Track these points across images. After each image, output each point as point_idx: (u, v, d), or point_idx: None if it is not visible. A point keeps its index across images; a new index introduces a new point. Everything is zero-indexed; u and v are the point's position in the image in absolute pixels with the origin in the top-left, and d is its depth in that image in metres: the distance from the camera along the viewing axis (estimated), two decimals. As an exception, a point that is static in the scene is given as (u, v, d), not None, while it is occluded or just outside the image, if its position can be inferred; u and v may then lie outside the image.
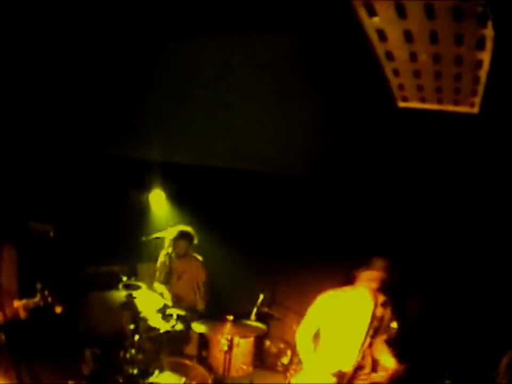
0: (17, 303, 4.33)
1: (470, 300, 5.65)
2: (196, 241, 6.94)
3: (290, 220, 7.40)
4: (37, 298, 4.34)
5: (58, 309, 4.38)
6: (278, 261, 7.43)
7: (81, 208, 7.46)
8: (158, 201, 8.15)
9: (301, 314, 6.33)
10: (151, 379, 5.05)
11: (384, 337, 4.78)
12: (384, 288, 4.66)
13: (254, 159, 6.48)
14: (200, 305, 6.85)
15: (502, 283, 5.47)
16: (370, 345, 4.62)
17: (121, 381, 5.34)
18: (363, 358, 4.58)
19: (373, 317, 4.59)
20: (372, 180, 6.52)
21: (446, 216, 6.00)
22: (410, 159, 5.63)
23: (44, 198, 6.84)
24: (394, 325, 4.94)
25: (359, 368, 4.58)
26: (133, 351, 5.50)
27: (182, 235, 6.82)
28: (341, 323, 4.81)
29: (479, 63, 3.19)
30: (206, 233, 7.33)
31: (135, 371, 5.30)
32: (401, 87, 3.73)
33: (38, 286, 4.36)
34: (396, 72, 3.51)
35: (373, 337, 4.60)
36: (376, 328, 4.60)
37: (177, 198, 8.17)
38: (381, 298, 4.66)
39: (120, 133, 6.29)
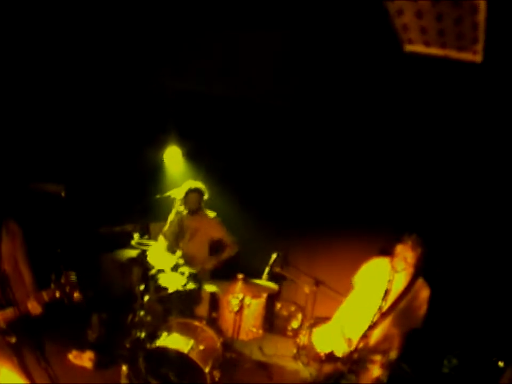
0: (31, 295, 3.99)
1: (482, 282, 5.54)
2: (206, 196, 6.85)
3: (308, 185, 7.28)
4: (52, 288, 3.91)
5: (77, 297, 3.94)
6: (292, 223, 7.38)
7: (93, 167, 7.40)
8: (173, 159, 8.03)
9: (312, 277, 6.36)
10: (158, 342, 5.00)
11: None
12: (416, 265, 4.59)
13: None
14: (232, 249, 6.84)
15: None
16: (382, 317, 4.56)
17: (128, 345, 5.24)
18: (371, 328, 4.52)
19: (388, 290, 4.52)
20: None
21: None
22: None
23: (54, 157, 6.78)
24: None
25: (364, 337, 4.52)
26: (142, 313, 5.45)
27: (192, 189, 6.75)
28: (364, 291, 4.87)
29: (475, 8, 3.22)
30: (221, 192, 7.27)
31: (143, 334, 5.24)
32: (405, 28, 3.70)
33: (53, 273, 3.90)
34: (400, 12, 3.48)
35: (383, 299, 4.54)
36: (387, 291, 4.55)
37: (193, 156, 8.05)
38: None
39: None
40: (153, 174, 8.00)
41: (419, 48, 3.83)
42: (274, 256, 6.44)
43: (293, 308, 6.83)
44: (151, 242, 6.13)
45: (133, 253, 5.98)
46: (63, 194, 5.51)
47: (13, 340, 3.71)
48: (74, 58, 6.24)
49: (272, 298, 6.70)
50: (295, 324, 6.59)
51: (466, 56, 3.70)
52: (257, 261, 6.62)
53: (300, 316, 6.60)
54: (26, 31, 5.51)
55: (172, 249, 6.71)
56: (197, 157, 8.00)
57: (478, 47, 3.56)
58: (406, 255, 4.57)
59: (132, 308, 5.56)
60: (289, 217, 7.39)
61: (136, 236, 6.14)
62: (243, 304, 5.67)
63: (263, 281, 6.13)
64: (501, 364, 4.69)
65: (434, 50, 3.79)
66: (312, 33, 4.50)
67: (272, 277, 6.40)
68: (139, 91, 7.20)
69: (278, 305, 6.92)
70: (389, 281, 4.52)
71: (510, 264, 5.34)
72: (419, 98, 5.09)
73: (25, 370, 3.79)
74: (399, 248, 4.62)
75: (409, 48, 3.88)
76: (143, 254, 5.90)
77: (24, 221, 4.39)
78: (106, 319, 5.93)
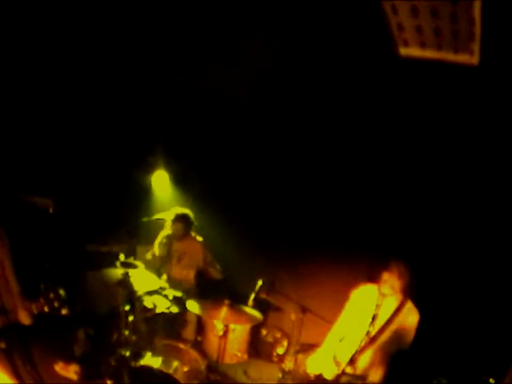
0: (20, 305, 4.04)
1: (470, 300, 5.51)
2: (194, 223, 6.90)
3: (296, 211, 7.29)
4: (41, 302, 4.00)
5: (64, 311, 4.08)
6: (280, 250, 7.35)
7: (82, 185, 7.37)
8: (161, 182, 8.02)
9: (299, 305, 6.30)
10: (142, 361, 4.94)
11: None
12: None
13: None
14: (217, 275, 6.90)
15: (503, 283, 5.33)
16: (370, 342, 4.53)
17: (113, 363, 5.23)
18: (359, 353, 4.49)
19: (375, 315, 4.51)
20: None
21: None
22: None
23: (44, 172, 6.75)
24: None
25: (352, 361, 4.49)
26: (127, 332, 5.41)
27: (178, 217, 6.78)
28: (353, 316, 4.89)
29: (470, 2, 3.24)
30: (209, 217, 7.33)
31: (128, 353, 5.19)
32: (400, 27, 3.69)
33: (42, 287, 4.00)
34: (395, 10, 3.50)
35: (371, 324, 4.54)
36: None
37: (181, 180, 8.05)
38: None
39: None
40: (141, 197, 7.97)
41: (415, 51, 3.82)
42: (260, 282, 6.36)
43: (278, 334, 6.75)
44: (137, 263, 6.09)
45: (119, 273, 5.90)
46: (51, 210, 5.49)
47: (3, 345, 3.69)
48: (65, 72, 6.28)
49: (258, 324, 6.62)
50: (280, 350, 6.50)
51: (463, 58, 3.70)
52: (244, 285, 6.57)
53: (285, 342, 6.53)
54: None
55: (158, 272, 6.66)
56: (184, 181, 8.00)
57: (474, 47, 3.57)
58: (393, 283, 4.59)
59: (117, 326, 5.51)
60: (276, 243, 7.36)
61: (121, 256, 6.10)
62: (228, 329, 5.61)
63: (249, 308, 6.06)
64: (492, 381, 4.62)
65: (430, 53, 3.78)
66: (311, 40, 4.54)
67: (258, 303, 6.34)
68: (130, 110, 7.24)
69: (264, 332, 6.84)
70: (377, 306, 4.52)
71: (496, 283, 5.35)
72: (411, 117, 5.14)
73: (16, 376, 3.76)
74: (386, 276, 4.65)
75: (404, 52, 3.87)
76: (127, 275, 5.84)
77: (12, 230, 4.34)
78: (93, 335, 5.86)
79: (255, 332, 6.54)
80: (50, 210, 5.50)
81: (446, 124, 4.98)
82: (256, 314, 5.86)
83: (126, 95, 7.11)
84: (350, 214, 6.76)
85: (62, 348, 5.92)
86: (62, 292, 4.04)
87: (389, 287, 4.59)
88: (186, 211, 6.87)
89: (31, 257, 4.99)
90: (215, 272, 6.91)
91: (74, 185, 7.24)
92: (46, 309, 4.00)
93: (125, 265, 5.97)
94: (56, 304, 3.99)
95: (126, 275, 5.75)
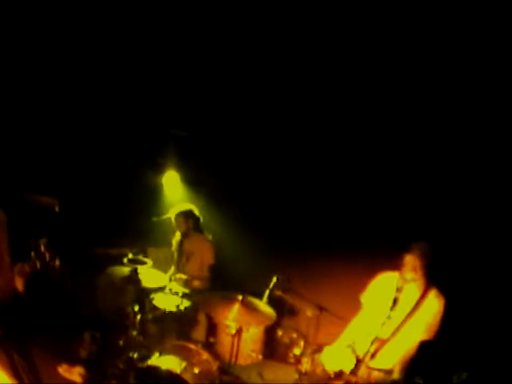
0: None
1: (492, 292, 5.29)
2: (196, 217, 6.76)
3: (310, 209, 7.15)
4: (32, 257, 3.92)
5: (57, 263, 4.03)
6: (294, 250, 7.16)
7: (92, 186, 7.28)
8: (171, 183, 7.87)
9: (315, 304, 6.06)
10: (150, 361, 4.73)
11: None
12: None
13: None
14: (198, 285, 6.44)
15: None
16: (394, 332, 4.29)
17: (120, 365, 5.07)
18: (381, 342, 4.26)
19: (396, 298, 4.29)
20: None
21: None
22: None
23: (51, 171, 6.68)
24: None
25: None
26: (135, 333, 5.29)
27: (180, 212, 6.68)
28: (373, 306, 4.73)
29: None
30: (223, 215, 7.32)
31: (136, 355, 5.05)
32: None
33: (32, 243, 3.94)
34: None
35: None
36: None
37: (193, 181, 7.93)
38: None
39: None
40: (152, 198, 7.86)
41: None
42: (274, 279, 6.12)
43: (294, 335, 6.47)
44: (146, 260, 5.91)
45: (126, 270, 5.73)
46: (57, 208, 5.37)
47: None
48: (78, 73, 6.22)
49: (273, 325, 6.39)
50: (297, 351, 6.22)
51: None
52: (258, 285, 6.34)
53: (302, 343, 6.25)
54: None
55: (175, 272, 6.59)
56: (197, 182, 7.89)
57: None
58: (414, 264, 4.40)
59: (125, 327, 5.42)
60: (290, 242, 7.22)
61: (130, 254, 5.93)
62: (241, 327, 5.36)
63: (263, 305, 5.78)
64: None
65: None
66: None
67: (273, 301, 6.08)
68: (140, 109, 7.14)
69: (280, 333, 6.56)
70: (398, 289, 4.28)
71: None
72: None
73: (12, 368, 3.60)
74: (408, 258, 4.45)
75: None
76: (136, 272, 5.65)
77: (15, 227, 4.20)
78: (99, 337, 5.68)
79: (270, 332, 6.31)
80: (56, 209, 5.34)
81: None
82: (270, 312, 5.58)
83: (137, 94, 7.00)
84: (364, 211, 6.62)
85: (67, 350, 5.76)
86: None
87: (410, 268, 4.39)
88: (190, 206, 6.76)
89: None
90: (202, 278, 6.59)
91: (84, 186, 7.18)
92: (38, 265, 3.93)
93: (133, 261, 5.80)
94: (47, 258, 3.96)
95: (135, 271, 5.58)
